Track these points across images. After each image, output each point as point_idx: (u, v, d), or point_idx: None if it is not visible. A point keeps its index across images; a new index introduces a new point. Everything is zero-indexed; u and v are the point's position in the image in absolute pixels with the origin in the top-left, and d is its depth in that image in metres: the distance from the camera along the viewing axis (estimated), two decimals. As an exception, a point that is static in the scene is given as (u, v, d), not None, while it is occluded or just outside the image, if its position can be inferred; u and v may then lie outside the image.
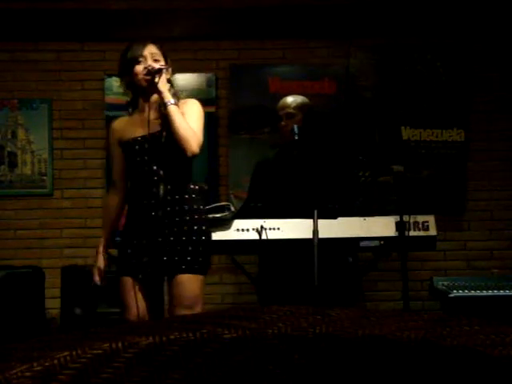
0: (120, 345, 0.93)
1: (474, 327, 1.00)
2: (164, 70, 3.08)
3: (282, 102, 4.25)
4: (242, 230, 3.94)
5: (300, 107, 4.18)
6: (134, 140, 3.14)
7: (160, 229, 3.09)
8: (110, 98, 5.25)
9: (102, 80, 5.28)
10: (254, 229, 3.93)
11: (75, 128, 5.29)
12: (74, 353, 0.91)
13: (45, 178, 5.28)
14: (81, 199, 5.28)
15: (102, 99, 5.27)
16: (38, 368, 0.88)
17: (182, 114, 3.08)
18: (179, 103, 3.12)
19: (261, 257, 4.23)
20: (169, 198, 3.10)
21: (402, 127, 5.32)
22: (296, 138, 3.92)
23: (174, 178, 3.13)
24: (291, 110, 4.15)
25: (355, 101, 5.31)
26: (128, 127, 3.20)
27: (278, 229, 3.94)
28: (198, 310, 3.10)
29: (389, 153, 5.23)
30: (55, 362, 0.89)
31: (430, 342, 0.96)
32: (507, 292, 4.53)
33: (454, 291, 4.56)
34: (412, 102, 5.34)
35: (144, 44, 3.17)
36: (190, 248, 3.09)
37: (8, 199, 5.25)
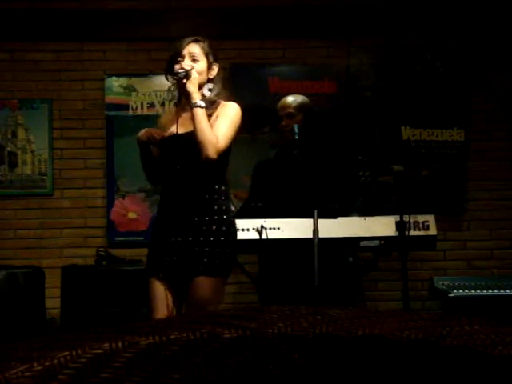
0: (120, 345, 0.93)
1: (474, 327, 1.00)
2: (192, 72, 3.05)
3: (282, 101, 4.25)
4: (243, 229, 3.95)
5: (300, 107, 4.18)
6: (168, 137, 3.14)
7: (182, 230, 3.06)
8: (110, 98, 5.26)
9: (102, 80, 5.28)
10: (254, 228, 3.93)
11: (75, 128, 5.29)
12: (74, 353, 0.91)
13: (45, 177, 5.28)
14: (81, 199, 5.28)
15: (102, 99, 5.27)
16: (38, 368, 0.88)
17: (216, 116, 3.09)
18: (219, 105, 3.13)
19: (261, 256, 4.23)
20: (192, 198, 3.08)
21: (402, 127, 5.32)
22: (296, 137, 3.93)
23: (199, 178, 3.09)
24: (292, 110, 4.15)
25: (355, 101, 5.31)
26: (169, 122, 3.21)
27: (279, 228, 3.95)
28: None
29: (389, 153, 5.23)
30: (55, 361, 0.89)
31: (429, 342, 0.96)
32: (507, 292, 4.54)
33: (454, 291, 4.56)
34: (412, 101, 5.34)
35: (184, 43, 3.14)
36: (207, 249, 3.04)
37: (8, 199, 5.25)
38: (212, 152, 3.00)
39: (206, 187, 3.09)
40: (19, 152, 5.28)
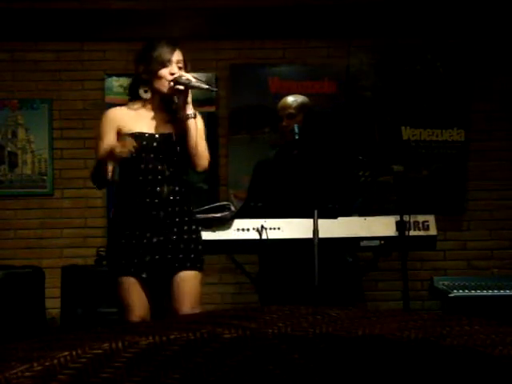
0: (120, 345, 0.93)
1: (474, 327, 1.00)
2: (191, 83, 3.12)
3: (282, 102, 4.25)
4: (243, 229, 3.94)
5: (301, 107, 4.18)
6: (142, 135, 3.15)
7: (161, 228, 3.13)
8: (110, 98, 5.25)
9: (102, 80, 5.28)
10: (254, 228, 3.93)
11: (75, 128, 5.29)
12: (74, 353, 0.91)
13: (45, 177, 5.28)
14: (81, 199, 5.27)
15: (102, 99, 5.27)
16: (38, 368, 0.88)
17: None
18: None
19: (261, 256, 4.23)
20: (171, 198, 3.14)
21: (402, 127, 5.32)
22: (296, 137, 3.93)
23: (177, 179, 3.18)
24: (292, 111, 4.15)
25: (355, 101, 5.31)
26: (131, 119, 3.20)
27: (279, 228, 3.94)
28: (198, 306, 3.16)
29: (389, 153, 5.23)
30: (55, 361, 0.89)
31: (429, 342, 0.96)
32: (507, 292, 4.54)
33: (454, 291, 4.56)
34: (412, 101, 5.34)
35: (173, 49, 3.19)
36: (192, 246, 3.16)
37: (8, 199, 5.25)
38: (207, 162, 3.19)
39: (180, 188, 3.18)
40: (19, 152, 5.28)
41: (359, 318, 1.03)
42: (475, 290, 4.59)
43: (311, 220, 3.57)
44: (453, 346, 0.94)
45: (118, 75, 5.27)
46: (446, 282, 4.89)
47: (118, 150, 2.98)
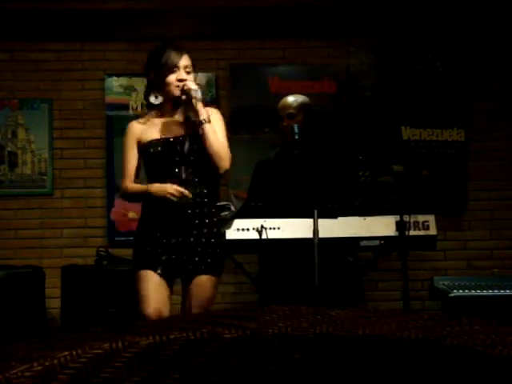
0: (120, 345, 0.93)
1: (475, 327, 1.00)
2: (199, 90, 3.18)
3: (282, 102, 4.24)
4: (243, 229, 3.94)
5: (301, 107, 4.18)
6: (157, 141, 3.22)
7: (181, 230, 3.16)
8: (110, 98, 5.26)
9: (103, 80, 5.28)
10: (254, 228, 3.93)
11: (75, 128, 5.29)
12: (74, 353, 0.91)
13: (45, 177, 5.28)
14: (81, 199, 5.28)
15: (102, 99, 5.27)
16: (38, 368, 0.88)
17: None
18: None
19: (261, 256, 4.23)
20: (190, 201, 3.17)
21: (402, 127, 5.32)
22: (296, 137, 3.93)
23: (196, 181, 3.21)
24: (292, 111, 4.15)
25: (355, 100, 5.31)
26: (147, 128, 3.27)
27: (279, 228, 3.94)
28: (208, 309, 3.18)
29: (389, 152, 5.23)
30: (55, 361, 0.89)
31: (430, 342, 0.96)
32: (507, 292, 4.54)
33: (455, 291, 4.56)
34: (412, 101, 5.34)
35: (181, 54, 3.24)
36: (209, 250, 3.18)
37: (8, 199, 5.25)
38: (228, 163, 3.22)
39: (201, 190, 3.22)
40: (19, 152, 5.28)
41: (359, 317, 1.03)
42: (475, 289, 4.59)
43: (311, 220, 3.57)
44: (453, 345, 0.94)
45: (118, 75, 5.27)
46: (446, 282, 4.89)
47: (172, 197, 3.12)
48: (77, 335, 1.00)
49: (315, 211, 3.55)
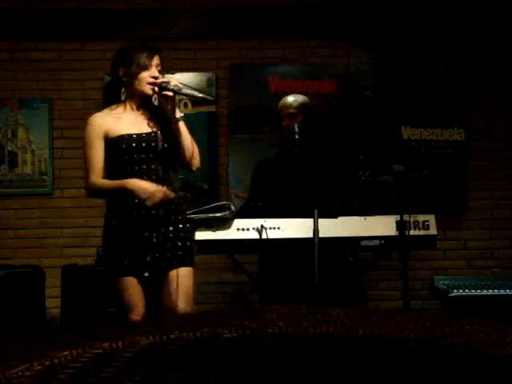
0: (120, 344, 0.93)
1: (474, 327, 1.00)
2: (181, 91, 3.20)
3: (282, 101, 4.24)
4: (243, 229, 3.94)
5: (301, 107, 4.18)
6: (130, 136, 3.18)
7: (159, 226, 3.17)
8: (110, 98, 5.25)
9: (103, 79, 5.27)
10: (254, 228, 3.93)
11: (75, 127, 5.28)
12: (74, 352, 0.91)
13: (45, 177, 5.28)
14: (81, 199, 5.26)
15: (102, 98, 5.27)
16: (39, 367, 0.88)
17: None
18: None
19: (261, 256, 4.23)
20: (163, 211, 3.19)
21: (402, 126, 5.31)
22: (296, 137, 3.93)
23: (169, 177, 3.25)
24: (292, 110, 4.15)
25: (355, 100, 5.31)
26: (116, 122, 3.22)
27: (279, 228, 3.94)
28: (192, 302, 3.24)
29: (389, 152, 5.23)
30: (55, 361, 0.89)
31: (430, 342, 0.96)
32: (507, 291, 4.54)
33: (455, 290, 4.56)
34: (412, 101, 5.34)
35: (152, 53, 3.24)
36: (188, 243, 3.23)
37: (8, 199, 5.25)
38: (199, 161, 3.28)
39: (173, 186, 3.27)
40: (19, 152, 5.28)
41: (359, 317, 1.03)
42: (475, 289, 4.59)
43: (311, 219, 3.57)
44: (453, 345, 0.94)
45: (118, 75, 5.26)
46: (446, 282, 4.89)
47: (151, 199, 3.09)
48: (77, 335, 1.00)
49: (315, 211, 3.55)
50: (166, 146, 3.19)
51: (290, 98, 4.24)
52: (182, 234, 3.21)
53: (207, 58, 5.29)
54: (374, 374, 0.97)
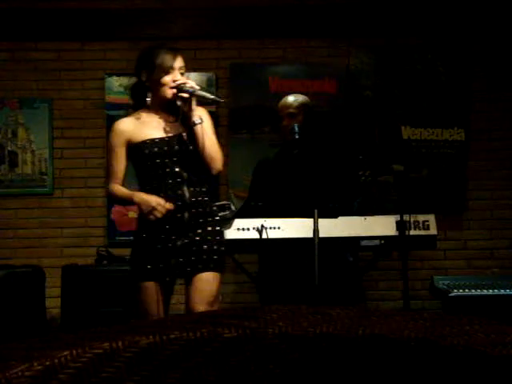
0: (120, 344, 0.93)
1: (474, 326, 1.00)
2: (195, 92, 3.14)
3: (282, 101, 4.24)
4: (243, 229, 3.94)
5: (301, 106, 4.18)
6: (152, 141, 3.17)
7: (186, 230, 3.13)
8: (111, 98, 5.25)
9: (103, 79, 5.28)
10: (254, 228, 3.93)
11: (76, 127, 5.29)
12: (74, 352, 0.91)
13: (45, 177, 5.28)
14: (81, 198, 5.27)
15: (102, 98, 5.27)
16: (39, 367, 0.88)
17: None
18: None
19: (261, 256, 4.23)
20: (193, 199, 3.15)
21: (402, 126, 5.31)
22: (296, 137, 3.93)
23: (196, 179, 3.19)
24: (293, 110, 4.15)
25: (355, 100, 5.31)
26: (139, 128, 3.22)
27: (279, 228, 3.94)
28: (217, 307, 3.17)
29: (389, 152, 5.23)
30: (55, 361, 0.89)
31: (430, 342, 0.96)
32: (507, 291, 4.54)
33: (455, 290, 4.56)
34: (412, 101, 5.34)
35: (175, 56, 3.19)
36: (215, 247, 3.17)
37: (8, 198, 5.25)
38: (221, 164, 3.23)
39: (200, 189, 3.20)
40: (19, 151, 5.28)
41: (359, 317, 1.03)
42: (475, 289, 4.59)
43: (311, 219, 3.57)
44: (453, 345, 0.94)
45: (118, 75, 5.27)
46: (446, 282, 4.89)
47: (153, 214, 3.05)
48: (77, 335, 1.00)
49: (315, 211, 3.55)
50: (190, 148, 3.15)
51: (290, 98, 4.24)
52: (209, 237, 3.16)
53: (207, 57, 5.29)
54: (374, 374, 0.97)
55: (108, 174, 3.28)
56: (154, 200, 3.06)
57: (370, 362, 0.97)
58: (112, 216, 5.24)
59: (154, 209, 3.04)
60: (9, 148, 5.28)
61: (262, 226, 3.90)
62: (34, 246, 5.23)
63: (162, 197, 3.11)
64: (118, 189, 3.22)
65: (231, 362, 0.95)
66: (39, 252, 5.20)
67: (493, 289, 4.57)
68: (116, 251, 4.98)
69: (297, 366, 0.96)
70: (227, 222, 3.91)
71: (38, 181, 5.27)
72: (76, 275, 4.65)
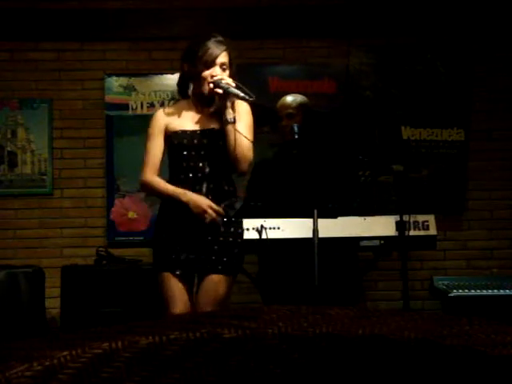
0: (120, 344, 0.93)
1: (474, 327, 1.00)
2: (229, 89, 3.08)
3: (281, 101, 4.24)
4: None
5: (300, 107, 4.18)
6: (184, 133, 3.15)
7: (200, 227, 3.10)
8: (110, 98, 5.25)
9: (102, 79, 5.28)
10: (254, 228, 3.93)
11: (75, 127, 5.29)
12: (74, 352, 0.91)
13: (45, 177, 5.28)
14: (81, 199, 5.27)
15: (102, 99, 5.27)
16: (38, 367, 0.88)
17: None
18: (233, 103, 3.15)
19: (261, 256, 4.23)
20: (210, 196, 3.12)
21: (402, 127, 5.31)
22: (296, 137, 3.93)
23: (219, 176, 3.16)
24: (291, 110, 4.15)
25: (355, 100, 5.31)
26: (176, 118, 3.20)
27: (278, 228, 3.94)
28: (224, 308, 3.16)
29: (389, 152, 5.23)
30: (55, 361, 0.89)
31: (429, 342, 0.96)
32: (507, 291, 4.54)
33: (454, 291, 4.56)
34: (412, 101, 5.34)
35: (220, 51, 3.16)
36: (226, 249, 3.13)
37: (8, 199, 5.25)
38: (246, 166, 3.17)
39: (220, 186, 3.17)
40: (19, 152, 5.28)
41: (359, 317, 1.03)
42: (475, 289, 4.59)
43: (311, 220, 3.56)
44: (453, 345, 0.94)
45: (118, 75, 5.27)
46: (445, 282, 4.89)
47: (205, 216, 3.04)
48: (77, 335, 1.00)
49: (315, 211, 3.55)
50: (220, 144, 3.11)
51: (289, 98, 4.24)
52: (221, 239, 3.13)
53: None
54: (374, 374, 0.97)
55: (143, 162, 3.22)
56: (204, 203, 3.05)
57: (369, 362, 0.97)
58: (112, 216, 5.24)
59: (204, 211, 3.03)
60: (8, 148, 5.28)
61: (262, 226, 3.91)
62: (34, 247, 5.23)
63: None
64: (160, 182, 3.17)
65: (231, 362, 0.95)
66: (39, 252, 5.20)
67: (492, 289, 4.57)
68: (116, 251, 4.98)
69: (297, 366, 0.97)
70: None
71: (37, 181, 5.27)
72: (76, 275, 4.65)
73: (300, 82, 5.30)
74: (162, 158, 3.22)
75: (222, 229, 3.13)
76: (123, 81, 5.26)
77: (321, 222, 3.59)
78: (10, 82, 5.28)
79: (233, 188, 3.23)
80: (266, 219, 3.92)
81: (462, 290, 4.58)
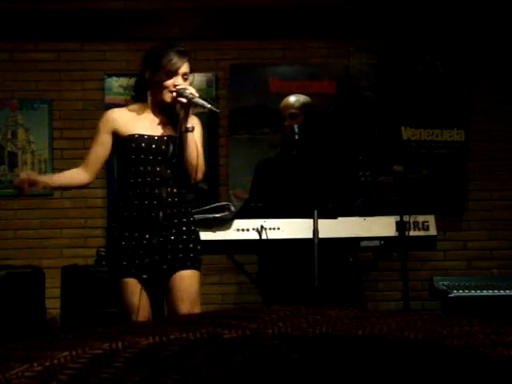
0: (120, 345, 0.93)
1: (474, 327, 1.00)
2: (194, 99, 3.13)
3: (284, 102, 4.24)
4: (242, 229, 3.94)
5: (303, 107, 4.18)
6: (141, 136, 3.17)
7: (160, 229, 3.14)
8: (110, 98, 5.25)
9: (102, 80, 5.28)
10: (254, 229, 3.93)
11: (75, 128, 5.29)
12: (73, 353, 0.91)
13: (45, 177, 5.27)
14: (81, 199, 5.27)
15: (102, 99, 5.27)
16: (38, 368, 0.88)
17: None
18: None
19: (261, 257, 4.23)
20: (169, 200, 3.16)
21: (402, 127, 5.32)
22: (296, 137, 3.93)
23: (176, 181, 3.20)
24: (294, 110, 4.15)
25: (355, 101, 5.31)
26: (130, 121, 3.21)
27: (279, 229, 3.94)
28: (199, 305, 3.20)
29: (389, 153, 5.23)
30: (55, 362, 0.89)
31: (429, 342, 0.96)
32: (507, 292, 4.54)
33: (454, 291, 4.56)
34: (412, 102, 5.34)
35: (182, 61, 3.17)
36: (191, 245, 3.18)
37: (8, 199, 5.25)
38: (201, 175, 3.22)
39: (178, 190, 3.21)
40: (19, 152, 5.28)
41: (359, 318, 1.03)
42: (475, 290, 4.59)
43: (311, 220, 3.57)
44: (453, 346, 0.94)
45: (118, 75, 5.27)
46: (446, 282, 4.89)
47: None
48: (77, 335, 1.00)
49: (315, 211, 3.55)
50: (177, 152, 3.14)
51: (292, 99, 4.24)
52: (184, 237, 3.17)
53: (207, 58, 5.29)
54: (374, 375, 0.97)
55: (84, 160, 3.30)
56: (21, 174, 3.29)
57: (369, 362, 0.97)
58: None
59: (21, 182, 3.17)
60: (8, 149, 5.28)
61: (262, 226, 3.90)
62: (34, 247, 5.23)
63: (138, 193, 3.12)
64: (66, 173, 3.37)
65: (231, 362, 0.95)
66: (39, 252, 5.20)
67: (493, 289, 4.57)
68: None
69: (297, 367, 0.97)
70: (227, 223, 3.92)
71: (37, 181, 5.27)
72: (76, 276, 4.65)
73: (300, 82, 5.30)
74: (102, 160, 3.27)
75: (184, 228, 3.18)
76: (123, 81, 5.26)
77: (321, 222, 3.59)
78: (10, 82, 5.28)
79: (185, 192, 3.27)
80: (267, 220, 3.92)
81: (462, 290, 4.58)
